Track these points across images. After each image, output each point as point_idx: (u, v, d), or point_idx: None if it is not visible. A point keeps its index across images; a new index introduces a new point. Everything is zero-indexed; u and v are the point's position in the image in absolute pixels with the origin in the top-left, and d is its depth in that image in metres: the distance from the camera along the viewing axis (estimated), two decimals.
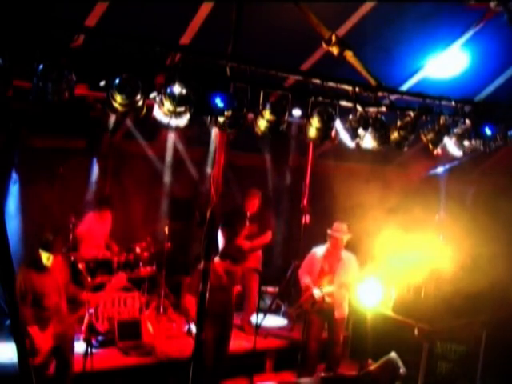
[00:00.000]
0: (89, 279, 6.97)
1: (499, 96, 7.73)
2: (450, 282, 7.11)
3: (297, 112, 5.48)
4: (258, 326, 6.55)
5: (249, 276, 8.01)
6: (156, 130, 8.31)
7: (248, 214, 8.09)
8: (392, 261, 7.19)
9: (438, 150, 6.17)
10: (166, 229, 8.07)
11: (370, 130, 5.58)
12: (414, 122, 5.84)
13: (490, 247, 7.08)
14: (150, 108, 4.77)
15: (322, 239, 7.14)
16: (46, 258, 5.37)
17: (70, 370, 5.64)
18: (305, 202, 8.13)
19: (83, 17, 5.40)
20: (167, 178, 8.95)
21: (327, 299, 6.82)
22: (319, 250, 7.03)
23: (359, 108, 5.48)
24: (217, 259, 6.15)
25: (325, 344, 7.09)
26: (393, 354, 6.08)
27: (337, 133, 5.51)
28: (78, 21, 5.34)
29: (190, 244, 8.71)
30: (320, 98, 5.33)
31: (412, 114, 5.82)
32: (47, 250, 5.36)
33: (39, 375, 5.18)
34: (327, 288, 6.81)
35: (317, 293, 6.78)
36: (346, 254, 6.96)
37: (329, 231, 6.93)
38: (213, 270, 5.89)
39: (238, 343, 7.15)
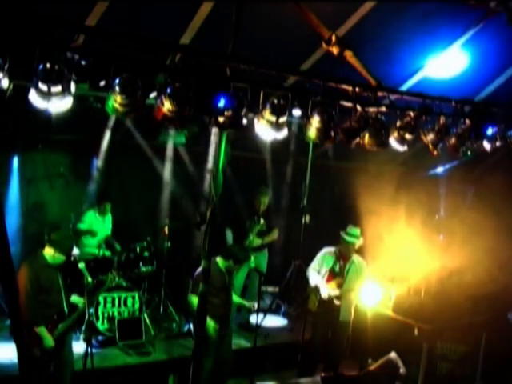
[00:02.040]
0: (89, 279, 6.97)
1: (499, 96, 7.72)
2: (451, 282, 7.11)
3: (297, 112, 5.47)
4: (258, 326, 6.55)
5: (251, 276, 8.05)
6: (156, 130, 8.31)
7: (260, 211, 8.11)
8: (392, 261, 7.19)
9: (438, 150, 6.17)
10: (166, 229, 8.08)
11: (369, 129, 5.58)
12: (414, 121, 5.85)
13: (490, 247, 7.08)
14: (150, 108, 4.77)
15: (321, 239, 7.13)
16: (51, 256, 5.33)
17: (69, 369, 5.59)
18: (305, 201, 8.13)
19: (83, 17, 5.40)
20: (167, 178, 8.96)
21: (336, 302, 6.76)
22: (331, 251, 6.92)
23: (359, 108, 5.49)
24: (218, 258, 6.13)
25: (327, 345, 7.06)
26: (393, 354, 6.08)
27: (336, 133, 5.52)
28: (77, 21, 5.33)
29: (190, 244, 8.71)
30: (320, 98, 5.33)
31: (412, 113, 5.82)
32: (54, 247, 5.32)
33: (40, 375, 5.19)
34: (336, 291, 6.75)
35: (324, 293, 6.75)
36: (357, 259, 6.87)
37: (342, 234, 6.80)
38: (215, 269, 5.90)
39: (238, 343, 7.16)
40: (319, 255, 7.02)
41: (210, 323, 5.88)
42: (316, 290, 6.83)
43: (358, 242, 6.80)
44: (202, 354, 5.47)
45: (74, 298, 5.64)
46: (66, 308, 5.46)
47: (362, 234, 6.96)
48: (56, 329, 5.33)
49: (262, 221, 8.01)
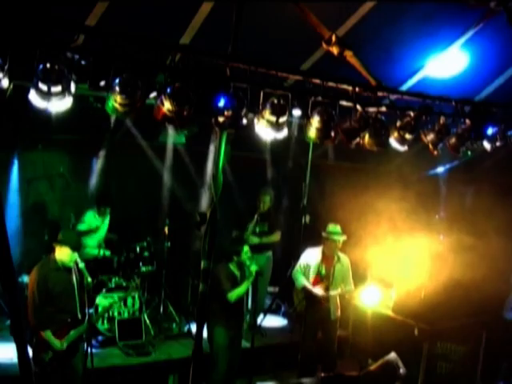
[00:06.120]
0: (89, 279, 6.96)
1: (499, 96, 7.72)
2: (451, 282, 7.11)
3: (297, 112, 5.47)
4: (258, 326, 6.55)
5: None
6: (156, 130, 8.31)
7: (260, 210, 8.12)
8: (392, 261, 7.19)
9: (438, 150, 6.17)
10: (166, 229, 8.07)
11: (369, 129, 5.58)
12: (414, 121, 5.84)
13: (490, 247, 7.08)
14: (150, 108, 4.77)
15: (321, 239, 7.12)
16: (67, 256, 5.18)
17: (79, 378, 5.33)
18: (305, 201, 8.12)
19: (83, 17, 5.40)
20: (167, 178, 8.96)
21: (326, 303, 6.80)
22: (314, 253, 6.96)
23: (359, 108, 5.48)
24: (228, 263, 6.14)
25: (321, 344, 7.08)
26: (393, 354, 6.08)
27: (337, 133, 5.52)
28: (78, 21, 5.33)
29: (190, 244, 8.70)
30: (320, 98, 5.33)
31: (412, 113, 5.82)
32: (66, 245, 5.17)
33: (48, 381, 5.07)
34: (323, 293, 6.78)
35: (318, 292, 6.75)
36: (341, 257, 6.91)
37: (324, 234, 6.85)
38: (228, 274, 6.00)
39: None
40: (303, 258, 7.02)
41: (220, 330, 5.92)
42: (304, 291, 6.85)
43: (343, 239, 6.80)
44: (201, 353, 5.46)
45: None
46: (79, 313, 5.28)
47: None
48: (68, 334, 5.17)
49: (259, 220, 8.02)
